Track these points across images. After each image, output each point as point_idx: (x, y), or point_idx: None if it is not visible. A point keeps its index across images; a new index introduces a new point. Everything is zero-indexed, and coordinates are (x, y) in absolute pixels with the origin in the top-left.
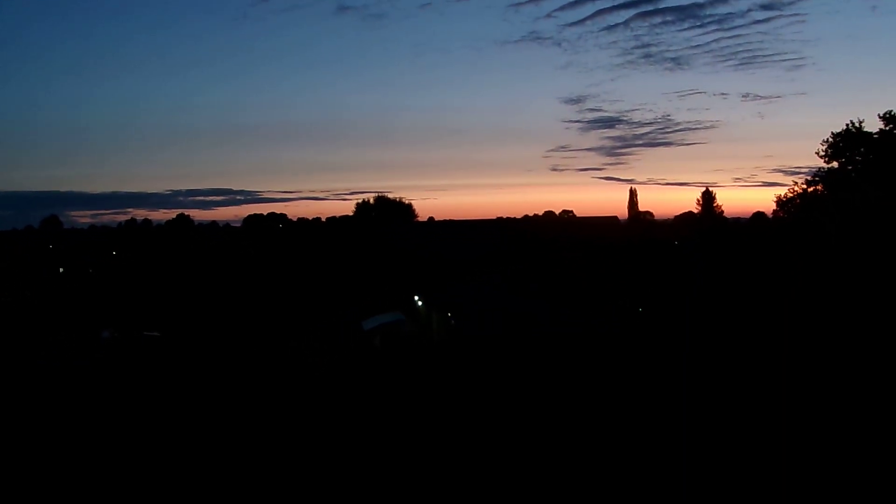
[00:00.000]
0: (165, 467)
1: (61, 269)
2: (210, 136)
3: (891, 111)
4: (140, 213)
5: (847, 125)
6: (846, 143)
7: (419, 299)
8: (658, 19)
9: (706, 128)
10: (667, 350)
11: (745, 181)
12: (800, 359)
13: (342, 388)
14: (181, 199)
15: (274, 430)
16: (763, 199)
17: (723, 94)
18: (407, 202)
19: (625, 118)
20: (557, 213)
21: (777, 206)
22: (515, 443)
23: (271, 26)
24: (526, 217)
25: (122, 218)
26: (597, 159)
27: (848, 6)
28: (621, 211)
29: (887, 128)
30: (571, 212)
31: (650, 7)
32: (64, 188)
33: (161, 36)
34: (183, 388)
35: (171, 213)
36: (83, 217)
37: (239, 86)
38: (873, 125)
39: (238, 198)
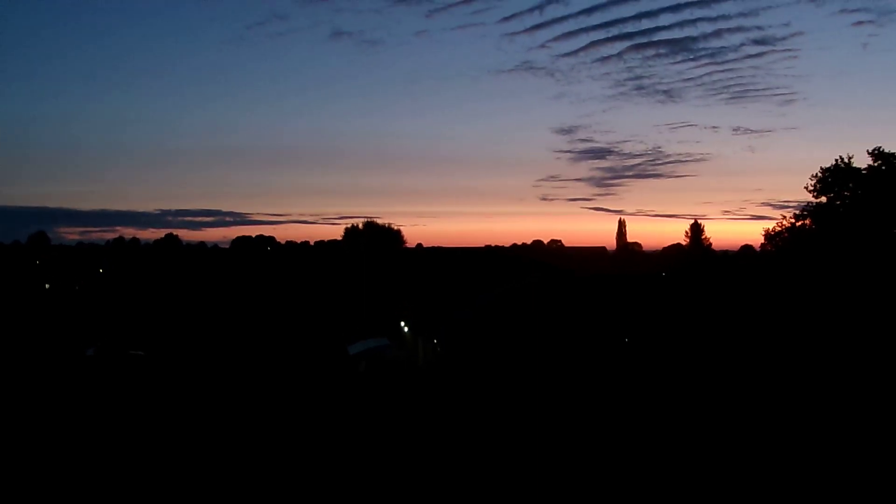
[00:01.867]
0: (145, 486)
1: (47, 285)
2: (201, 157)
3: (879, 147)
4: (128, 232)
5: (836, 160)
6: (835, 178)
7: (405, 325)
8: (651, 52)
9: (696, 160)
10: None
11: (734, 214)
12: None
13: (326, 411)
14: (170, 218)
15: (257, 450)
16: (752, 233)
17: (714, 127)
18: (396, 228)
19: (616, 149)
20: (546, 242)
21: (765, 239)
22: (497, 467)
23: (266, 50)
24: (515, 246)
25: (111, 236)
26: (587, 190)
27: (839, 43)
28: (610, 241)
29: (876, 164)
30: (560, 241)
31: (644, 39)
32: (53, 204)
33: (155, 55)
34: (165, 407)
35: (160, 233)
36: (71, 234)
37: (232, 108)
38: (862, 161)
39: (227, 219)
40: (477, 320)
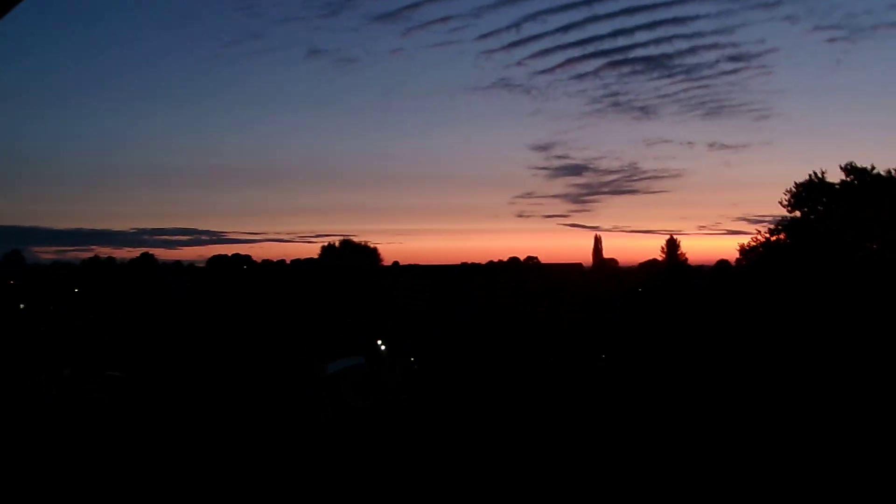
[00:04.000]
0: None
1: (22, 305)
2: (177, 176)
3: (852, 163)
4: (104, 251)
5: (810, 175)
6: (809, 193)
7: (382, 344)
8: (627, 69)
9: (672, 176)
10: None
11: (710, 229)
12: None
13: (305, 430)
14: (146, 237)
15: (238, 468)
16: (727, 248)
17: (689, 142)
18: (372, 246)
19: (592, 166)
20: (522, 259)
21: (740, 254)
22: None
23: (242, 69)
24: (491, 263)
25: (86, 255)
26: (563, 206)
27: (814, 59)
28: (586, 258)
29: (848, 178)
30: (536, 258)
31: (620, 57)
32: (27, 223)
33: (129, 75)
34: (143, 428)
35: (136, 252)
36: (46, 253)
37: (207, 127)
38: (836, 176)
39: (203, 238)
40: (453, 338)
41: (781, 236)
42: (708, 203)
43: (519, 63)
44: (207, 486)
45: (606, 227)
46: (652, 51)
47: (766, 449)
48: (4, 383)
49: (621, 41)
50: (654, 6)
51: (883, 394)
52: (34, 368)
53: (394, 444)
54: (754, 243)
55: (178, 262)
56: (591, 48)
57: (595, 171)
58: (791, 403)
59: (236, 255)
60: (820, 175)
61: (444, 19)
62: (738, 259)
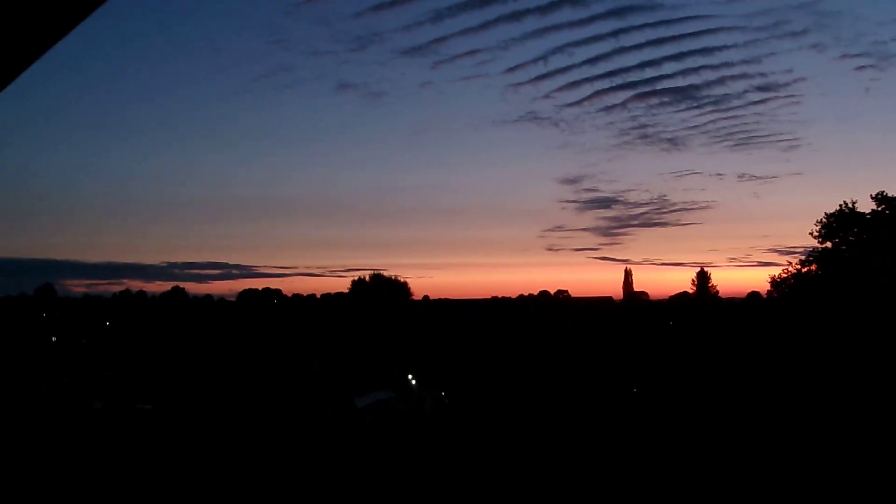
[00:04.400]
0: None
1: (54, 338)
2: (207, 210)
3: (883, 192)
4: (135, 285)
5: (840, 205)
6: (839, 223)
7: (412, 378)
8: (655, 100)
9: (702, 208)
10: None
11: (740, 261)
12: None
13: (335, 463)
14: (177, 271)
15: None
16: (758, 279)
17: (719, 174)
18: (402, 280)
19: (621, 198)
20: (552, 292)
21: (771, 285)
22: None
23: (272, 101)
24: (521, 296)
25: (117, 288)
26: (592, 239)
27: (842, 88)
28: (616, 291)
29: (879, 208)
30: (566, 292)
31: (647, 88)
32: (59, 257)
33: (160, 107)
34: (171, 461)
35: (166, 286)
36: (78, 286)
37: (237, 159)
38: (866, 205)
39: (234, 272)
40: (482, 372)
41: (813, 267)
42: (738, 235)
43: (546, 96)
44: None
45: (636, 259)
46: (679, 82)
47: (799, 476)
48: (34, 414)
49: (649, 72)
50: (682, 36)
51: None
52: (66, 400)
53: (418, 477)
54: (785, 275)
55: (208, 296)
56: (618, 80)
57: (624, 203)
58: (821, 428)
59: (267, 289)
60: (850, 205)
61: (471, 52)
62: (769, 291)
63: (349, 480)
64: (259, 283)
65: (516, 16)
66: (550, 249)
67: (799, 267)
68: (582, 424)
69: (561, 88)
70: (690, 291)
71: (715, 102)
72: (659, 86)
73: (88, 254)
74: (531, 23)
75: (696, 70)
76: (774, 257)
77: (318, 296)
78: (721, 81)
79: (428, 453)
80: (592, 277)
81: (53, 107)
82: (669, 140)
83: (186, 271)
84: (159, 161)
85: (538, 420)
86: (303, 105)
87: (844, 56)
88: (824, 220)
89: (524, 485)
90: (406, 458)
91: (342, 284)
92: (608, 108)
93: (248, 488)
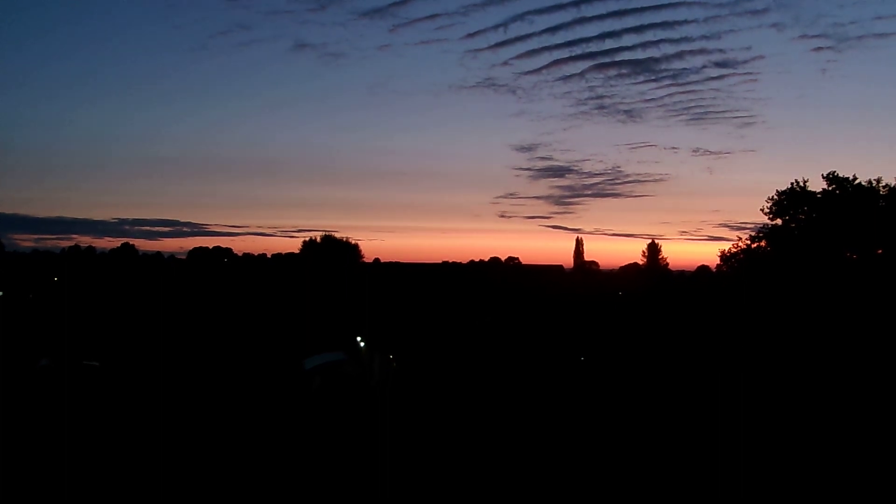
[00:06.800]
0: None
1: (0, 293)
2: (159, 167)
3: (834, 172)
4: (84, 240)
5: (792, 184)
6: (790, 201)
7: (361, 340)
8: (614, 72)
9: (655, 180)
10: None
11: (691, 234)
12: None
13: (280, 424)
14: (127, 227)
15: (209, 463)
16: (708, 253)
17: (674, 147)
18: (353, 242)
19: (575, 168)
20: (504, 259)
21: (721, 260)
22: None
23: (228, 60)
24: (472, 262)
25: (66, 244)
26: (545, 208)
27: (799, 67)
28: (567, 260)
29: (830, 188)
30: (517, 259)
31: (606, 59)
32: (6, 210)
33: (115, 65)
34: (118, 418)
35: (116, 242)
36: (25, 241)
37: (191, 117)
38: (817, 185)
39: (184, 229)
40: (431, 337)
41: (762, 243)
42: (690, 208)
43: (505, 63)
44: (183, 473)
45: (588, 229)
46: (639, 54)
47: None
48: None
49: (608, 44)
50: (643, 9)
51: (857, 392)
52: (10, 356)
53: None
54: (735, 249)
55: (158, 254)
56: (577, 50)
57: (578, 173)
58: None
59: (217, 248)
60: (802, 184)
61: (431, 17)
62: (718, 265)
63: (296, 441)
64: (210, 242)
65: None
66: (503, 216)
67: (748, 243)
68: (526, 389)
69: (520, 56)
70: (641, 262)
71: (673, 76)
72: (618, 57)
73: (38, 208)
74: None
75: (655, 43)
76: (725, 232)
77: (269, 255)
78: (680, 56)
79: (377, 416)
80: (544, 245)
81: (9, 66)
82: (626, 112)
83: (137, 228)
84: (111, 116)
85: (484, 386)
86: (259, 64)
87: (803, 36)
88: (775, 197)
89: (469, 447)
90: (354, 419)
91: (293, 245)
92: (566, 78)
93: (194, 446)
